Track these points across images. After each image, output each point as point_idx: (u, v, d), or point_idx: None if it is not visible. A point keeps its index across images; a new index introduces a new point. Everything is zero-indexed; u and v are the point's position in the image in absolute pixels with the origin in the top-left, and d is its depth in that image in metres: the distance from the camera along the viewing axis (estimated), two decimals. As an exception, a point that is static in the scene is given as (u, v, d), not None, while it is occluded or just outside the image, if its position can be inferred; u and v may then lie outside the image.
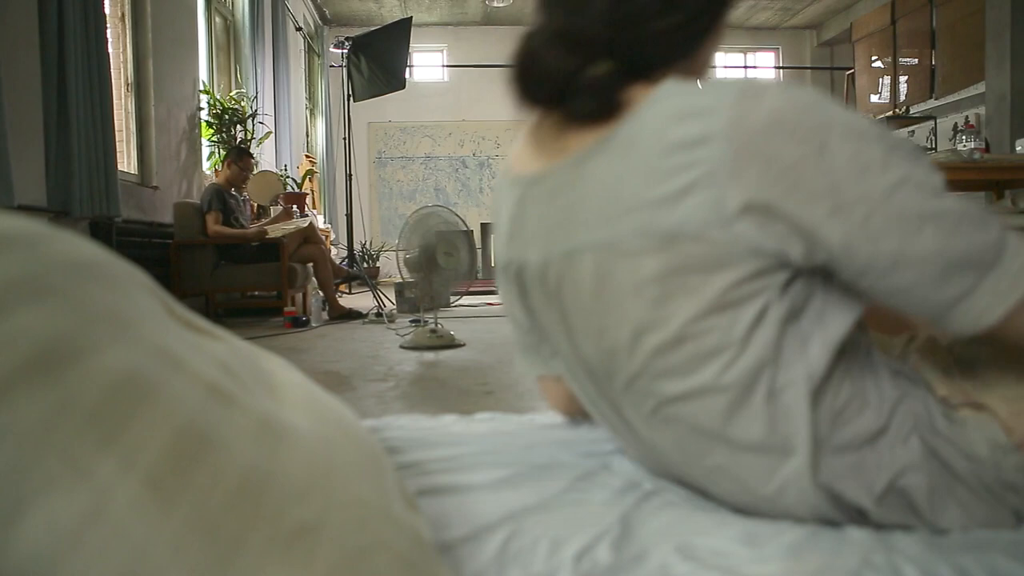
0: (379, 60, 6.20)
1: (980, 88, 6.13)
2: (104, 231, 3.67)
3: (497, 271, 0.84)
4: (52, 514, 0.32)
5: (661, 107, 0.62)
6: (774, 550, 0.61)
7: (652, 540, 0.62)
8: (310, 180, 7.74)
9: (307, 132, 9.29)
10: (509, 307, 0.85)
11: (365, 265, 9.00)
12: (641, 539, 0.62)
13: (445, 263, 3.18)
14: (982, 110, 6.13)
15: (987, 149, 5.21)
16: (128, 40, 4.47)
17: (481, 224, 10.27)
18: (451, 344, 3.18)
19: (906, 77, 7.48)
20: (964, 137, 5.35)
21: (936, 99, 6.93)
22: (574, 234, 0.67)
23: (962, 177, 4.30)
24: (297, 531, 0.37)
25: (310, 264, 4.78)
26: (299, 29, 8.45)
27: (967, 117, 6.32)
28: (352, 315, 4.54)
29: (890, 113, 7.35)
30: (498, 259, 0.82)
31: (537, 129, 0.74)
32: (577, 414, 0.97)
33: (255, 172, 5.19)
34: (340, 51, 6.31)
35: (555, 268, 0.70)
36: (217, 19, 6.16)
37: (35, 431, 0.32)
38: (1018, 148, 4.62)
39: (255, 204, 5.24)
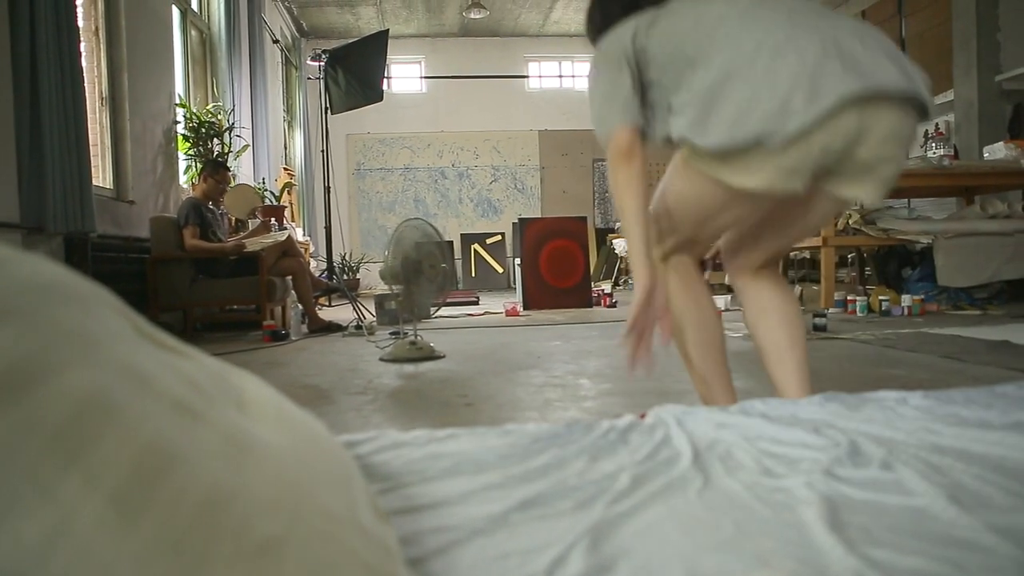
0: (356, 72, 6.21)
1: (949, 96, 6.25)
2: (79, 247, 3.62)
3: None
4: (17, 534, 0.32)
5: None
6: (743, 559, 0.62)
7: (622, 551, 0.63)
8: (288, 193, 7.71)
9: (285, 144, 9.26)
10: (623, 73, 1.32)
11: (345, 277, 8.96)
12: (611, 550, 0.63)
13: (428, 274, 3.18)
14: (951, 117, 6.24)
15: (956, 156, 5.31)
16: (102, 54, 4.44)
17: (461, 235, 10.29)
18: (431, 356, 3.18)
19: (877, 85, 7.59)
20: (934, 144, 5.44)
21: (907, 107, 7.03)
22: None
23: (932, 183, 4.35)
24: (263, 545, 0.38)
25: (289, 277, 4.75)
26: (276, 42, 8.44)
27: (937, 124, 6.43)
28: (332, 328, 4.53)
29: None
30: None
31: None
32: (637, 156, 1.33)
33: (232, 186, 5.16)
34: (317, 63, 6.31)
35: None
36: (193, 32, 6.14)
37: (-2, 452, 0.33)
38: (986, 155, 4.71)
39: (233, 217, 5.21)
